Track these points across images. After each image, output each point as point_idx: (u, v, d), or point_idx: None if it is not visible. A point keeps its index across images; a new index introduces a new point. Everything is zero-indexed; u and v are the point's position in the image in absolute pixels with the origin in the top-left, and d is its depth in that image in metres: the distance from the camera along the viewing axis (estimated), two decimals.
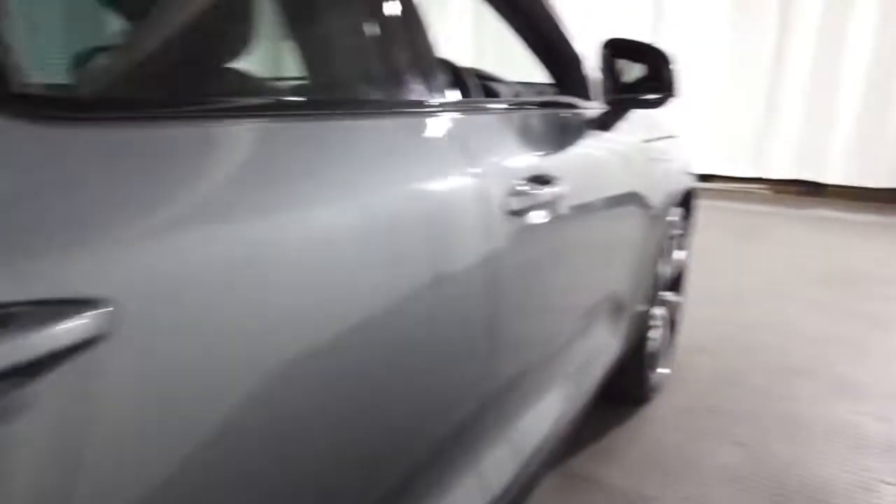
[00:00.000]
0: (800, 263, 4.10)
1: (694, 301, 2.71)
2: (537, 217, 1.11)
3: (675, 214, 2.20)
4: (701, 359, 2.65)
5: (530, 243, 1.11)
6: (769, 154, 6.36)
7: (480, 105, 1.25)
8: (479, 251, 0.96)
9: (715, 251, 3.99)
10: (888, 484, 1.84)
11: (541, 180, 1.15)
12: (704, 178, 5.76)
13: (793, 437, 2.08)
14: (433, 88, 1.00)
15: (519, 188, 1.07)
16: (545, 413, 1.34)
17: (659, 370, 2.35)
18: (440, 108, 1.00)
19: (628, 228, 1.74)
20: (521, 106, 1.34)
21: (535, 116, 1.34)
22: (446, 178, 0.93)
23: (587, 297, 1.53)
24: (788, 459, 1.96)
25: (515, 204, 1.04)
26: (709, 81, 6.34)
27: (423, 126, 0.97)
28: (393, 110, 0.94)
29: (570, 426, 1.44)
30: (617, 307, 1.77)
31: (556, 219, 1.18)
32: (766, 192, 6.63)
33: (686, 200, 2.36)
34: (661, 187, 1.96)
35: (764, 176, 6.48)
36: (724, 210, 5.65)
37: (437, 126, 0.99)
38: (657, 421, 2.20)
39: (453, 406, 0.98)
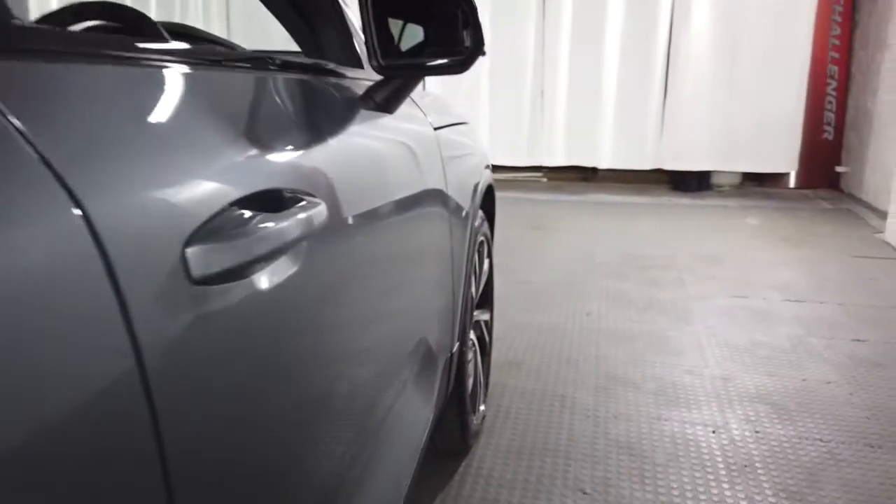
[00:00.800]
0: (588, 253, 4.00)
1: (495, 306, 2.33)
2: (267, 275, 0.55)
3: (479, 218, 1.76)
4: (517, 378, 2.28)
5: (253, 327, 0.55)
6: (543, 142, 6.41)
7: (120, 59, 0.56)
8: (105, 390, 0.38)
9: (504, 247, 3.73)
10: None
11: (276, 200, 0.59)
12: None
13: (637, 474, 1.75)
14: None
15: (222, 220, 0.50)
16: None
17: (479, 408, 1.92)
18: None
19: (431, 252, 1.24)
20: (235, 65, 0.72)
21: (267, 85, 0.76)
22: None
23: (380, 369, 1.00)
24: None
25: (207, 261, 0.47)
26: (479, 72, 6.20)
27: None
28: None
29: None
30: (427, 358, 1.27)
31: (311, 265, 0.63)
32: (542, 180, 6.70)
33: (487, 200, 1.95)
34: (464, 188, 1.50)
35: (540, 164, 6.52)
36: (505, 201, 5.51)
37: None
38: (483, 475, 1.76)
39: None
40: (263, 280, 0.54)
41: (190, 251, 0.46)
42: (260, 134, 0.65)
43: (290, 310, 0.62)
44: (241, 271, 0.51)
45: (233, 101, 0.64)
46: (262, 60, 0.75)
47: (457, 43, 1.08)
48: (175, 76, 0.57)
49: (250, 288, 0.53)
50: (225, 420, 0.52)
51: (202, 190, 0.51)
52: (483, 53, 0.99)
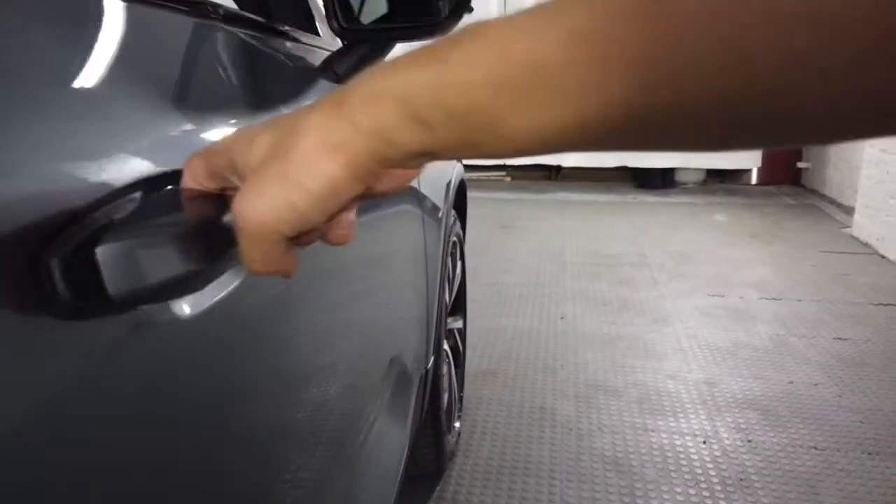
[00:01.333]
0: (557, 252, 3.87)
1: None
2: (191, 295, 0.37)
3: (451, 216, 1.60)
4: (492, 388, 2.13)
5: (164, 368, 0.37)
6: None
7: None
8: None
9: (471, 248, 3.58)
10: None
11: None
12: None
13: (627, 492, 1.61)
14: None
15: (114, 212, 0.32)
16: None
17: (454, 426, 1.75)
18: None
19: (404, 254, 1.07)
20: (162, 3, 0.51)
21: (205, 36, 0.57)
22: None
23: (350, 394, 0.83)
24: None
25: (87, 275, 0.29)
26: None
27: None
28: None
29: None
30: (402, 376, 1.10)
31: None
32: (506, 179, 6.58)
33: (459, 196, 1.79)
34: (437, 182, 1.34)
35: (503, 163, 6.40)
36: (470, 201, 5.36)
37: None
38: (461, 501, 1.59)
39: None
40: (182, 303, 0.36)
41: (57, 260, 0.28)
42: (189, 95, 0.47)
43: (227, 333, 0.45)
44: (150, 290, 0.32)
45: (155, 50, 0.46)
46: (202, 5, 0.56)
47: (429, 14, 0.91)
48: (69, 2, 0.39)
49: (164, 311, 0.36)
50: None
51: (89, 167, 0.33)
52: (470, 10, 0.82)
